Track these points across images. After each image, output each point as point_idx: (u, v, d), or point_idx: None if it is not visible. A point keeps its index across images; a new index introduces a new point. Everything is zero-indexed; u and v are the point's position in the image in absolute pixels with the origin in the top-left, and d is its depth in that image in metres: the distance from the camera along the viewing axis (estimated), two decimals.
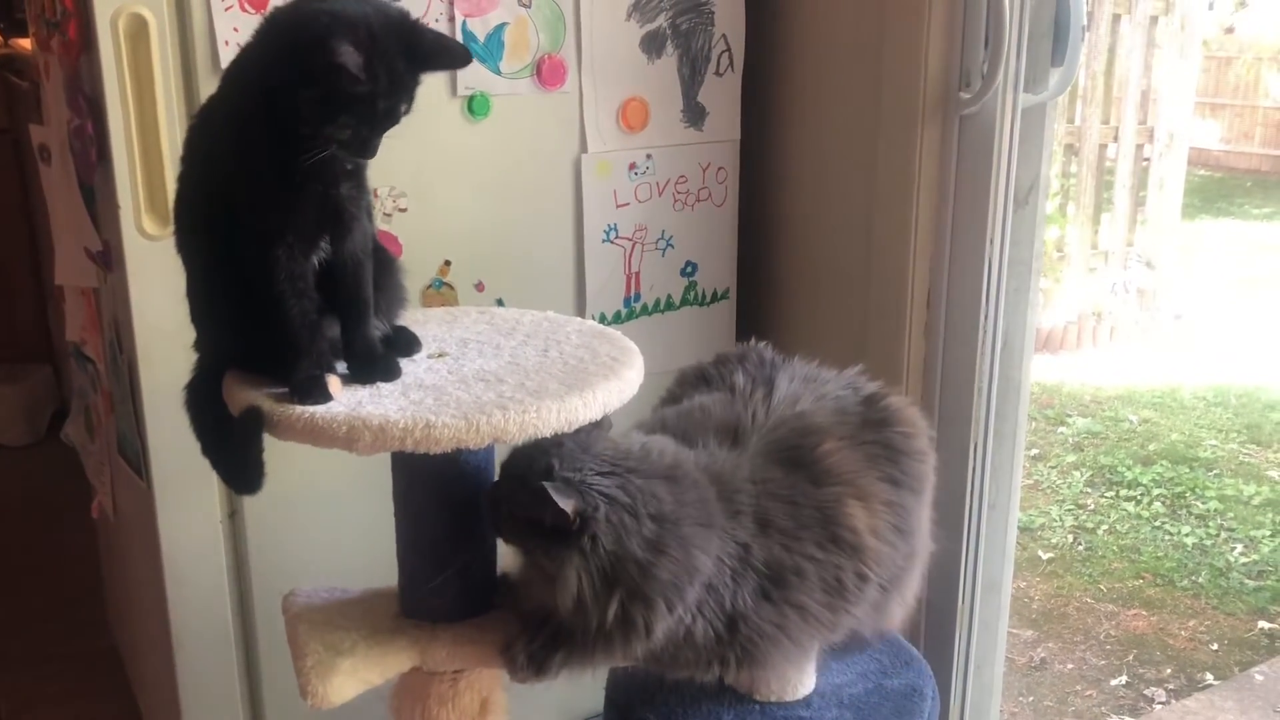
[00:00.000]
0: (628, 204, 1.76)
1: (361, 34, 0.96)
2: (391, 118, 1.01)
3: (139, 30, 1.35)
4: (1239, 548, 3.04)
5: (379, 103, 0.99)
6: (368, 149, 1.02)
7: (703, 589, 1.05)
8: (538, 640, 1.08)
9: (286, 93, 0.97)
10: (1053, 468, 3.54)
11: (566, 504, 0.98)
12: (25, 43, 2.40)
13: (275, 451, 1.14)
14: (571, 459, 1.02)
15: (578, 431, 1.05)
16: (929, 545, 1.24)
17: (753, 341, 1.32)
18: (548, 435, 1.03)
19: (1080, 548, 3.03)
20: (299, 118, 0.98)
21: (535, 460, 1.03)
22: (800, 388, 1.20)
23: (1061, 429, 3.86)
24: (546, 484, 0.99)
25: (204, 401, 1.14)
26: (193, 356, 1.17)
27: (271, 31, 1.02)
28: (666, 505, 1.03)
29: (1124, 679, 2.42)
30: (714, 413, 1.18)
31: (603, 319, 1.77)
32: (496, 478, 1.09)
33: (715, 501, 1.07)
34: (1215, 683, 2.40)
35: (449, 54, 1.06)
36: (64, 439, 2.12)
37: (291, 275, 1.04)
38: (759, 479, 1.10)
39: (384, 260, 1.16)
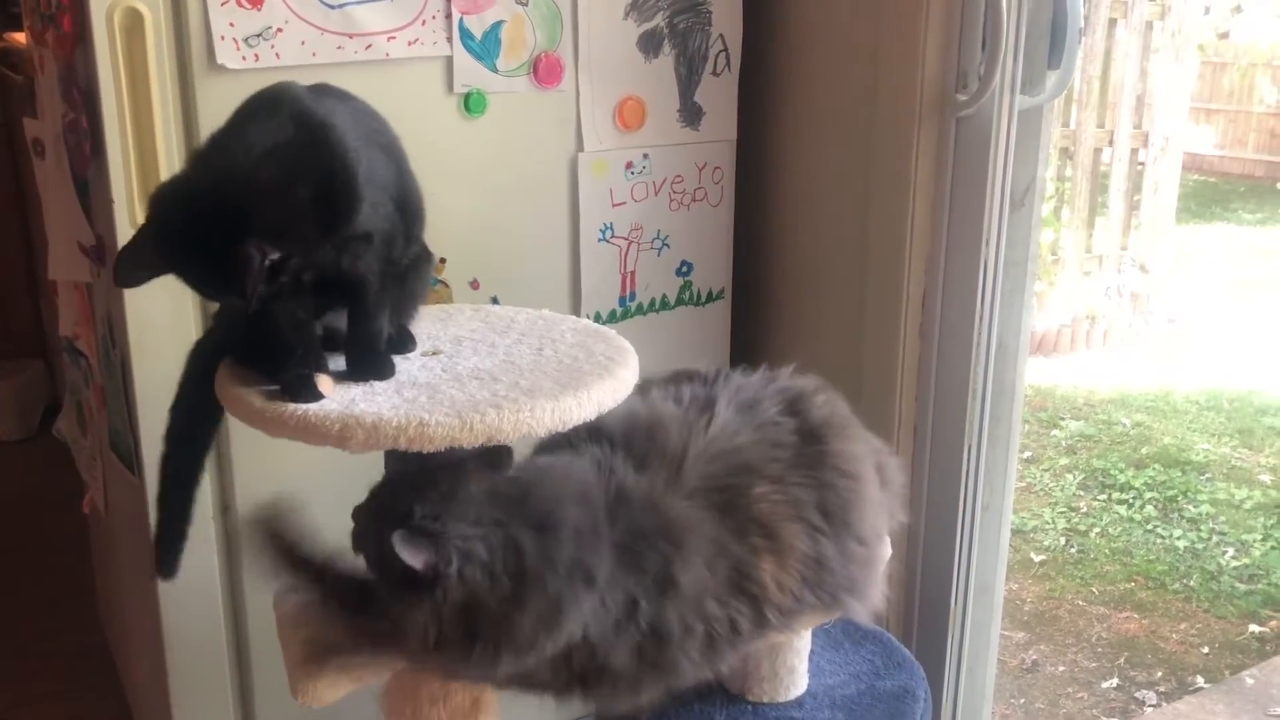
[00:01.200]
0: (624, 203, 1.76)
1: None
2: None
3: (134, 24, 1.34)
4: (1230, 551, 3.05)
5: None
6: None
7: (573, 638, 1.01)
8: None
9: None
10: (1045, 470, 3.54)
11: (416, 559, 0.94)
12: (19, 36, 2.39)
13: (269, 449, 1.14)
14: (436, 503, 0.97)
15: (465, 461, 1.01)
16: (884, 548, 1.26)
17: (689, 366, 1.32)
18: (425, 466, 1.00)
19: (1072, 550, 3.03)
20: None
21: (398, 500, 0.98)
22: (737, 419, 1.19)
23: (1055, 432, 3.87)
24: (397, 535, 0.93)
25: (201, 361, 1.16)
26: (186, 352, 1.17)
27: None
28: (530, 560, 0.97)
29: (1115, 681, 2.42)
30: (660, 434, 1.15)
31: (598, 318, 1.77)
32: (367, 501, 1.05)
33: (607, 553, 1.03)
34: (1206, 686, 2.40)
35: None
36: (56, 434, 2.11)
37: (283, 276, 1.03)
38: (679, 540, 1.07)
39: (420, 260, 1.16)
